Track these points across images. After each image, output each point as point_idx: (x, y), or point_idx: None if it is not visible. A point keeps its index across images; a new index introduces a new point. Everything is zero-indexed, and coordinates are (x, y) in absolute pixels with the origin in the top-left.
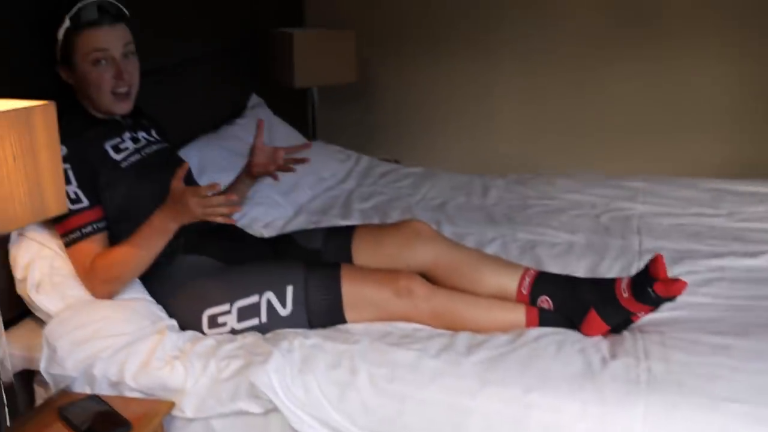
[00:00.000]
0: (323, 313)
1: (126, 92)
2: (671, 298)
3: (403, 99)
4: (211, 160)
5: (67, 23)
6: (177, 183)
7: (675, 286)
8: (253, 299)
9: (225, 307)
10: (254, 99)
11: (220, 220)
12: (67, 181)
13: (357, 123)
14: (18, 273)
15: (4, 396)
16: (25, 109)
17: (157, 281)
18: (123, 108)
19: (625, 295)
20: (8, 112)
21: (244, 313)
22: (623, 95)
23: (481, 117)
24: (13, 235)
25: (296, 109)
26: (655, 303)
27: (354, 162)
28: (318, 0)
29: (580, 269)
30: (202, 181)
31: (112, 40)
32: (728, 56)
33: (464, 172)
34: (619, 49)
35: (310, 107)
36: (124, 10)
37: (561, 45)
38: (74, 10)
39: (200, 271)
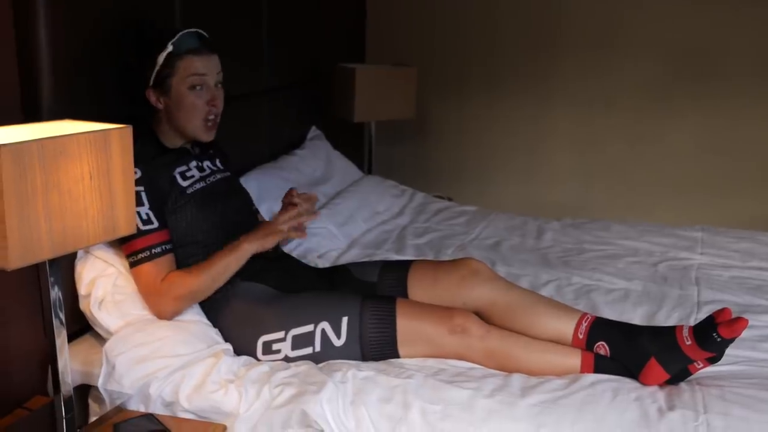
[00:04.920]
0: (377, 346)
1: (214, 120)
2: (732, 340)
3: (459, 138)
4: (269, 190)
5: (170, 48)
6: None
7: (738, 325)
8: (308, 328)
9: (280, 334)
10: (314, 131)
11: (294, 235)
12: (140, 203)
13: (412, 159)
14: (82, 289)
15: (63, 409)
16: (103, 131)
17: (215, 306)
18: (209, 136)
19: (688, 342)
20: (88, 133)
21: (298, 342)
22: (680, 147)
23: (536, 160)
24: (80, 252)
25: (354, 143)
26: (719, 348)
27: (408, 198)
28: (380, 37)
29: (636, 317)
30: (261, 209)
31: (210, 68)
32: None
33: (515, 214)
34: (678, 102)
35: (367, 141)
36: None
37: (620, 95)
38: (177, 36)
39: (257, 298)
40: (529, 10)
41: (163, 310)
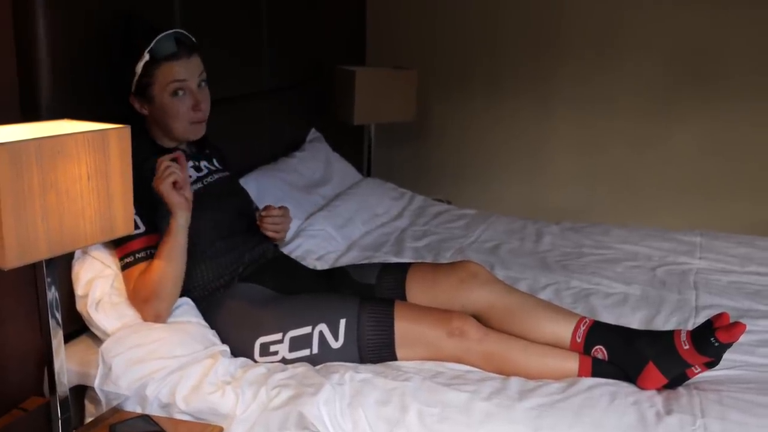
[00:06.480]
0: (375, 348)
1: (201, 120)
2: (730, 344)
3: (460, 140)
4: (268, 191)
5: (146, 57)
6: None
7: (736, 330)
8: (305, 330)
9: (277, 336)
10: (313, 133)
11: (173, 177)
12: None
13: (412, 161)
14: (79, 290)
15: (59, 409)
16: (101, 131)
17: (212, 307)
18: (197, 133)
19: (686, 347)
20: (86, 132)
21: (295, 344)
22: (682, 150)
23: (537, 163)
24: (77, 253)
25: (354, 145)
26: (717, 352)
27: (408, 200)
28: (380, 39)
29: (634, 321)
30: None
31: (191, 71)
32: None
33: (515, 217)
34: (680, 104)
35: (366, 144)
36: (194, 41)
37: (621, 97)
38: (152, 43)
39: (255, 300)
40: (530, 11)
41: (142, 314)
